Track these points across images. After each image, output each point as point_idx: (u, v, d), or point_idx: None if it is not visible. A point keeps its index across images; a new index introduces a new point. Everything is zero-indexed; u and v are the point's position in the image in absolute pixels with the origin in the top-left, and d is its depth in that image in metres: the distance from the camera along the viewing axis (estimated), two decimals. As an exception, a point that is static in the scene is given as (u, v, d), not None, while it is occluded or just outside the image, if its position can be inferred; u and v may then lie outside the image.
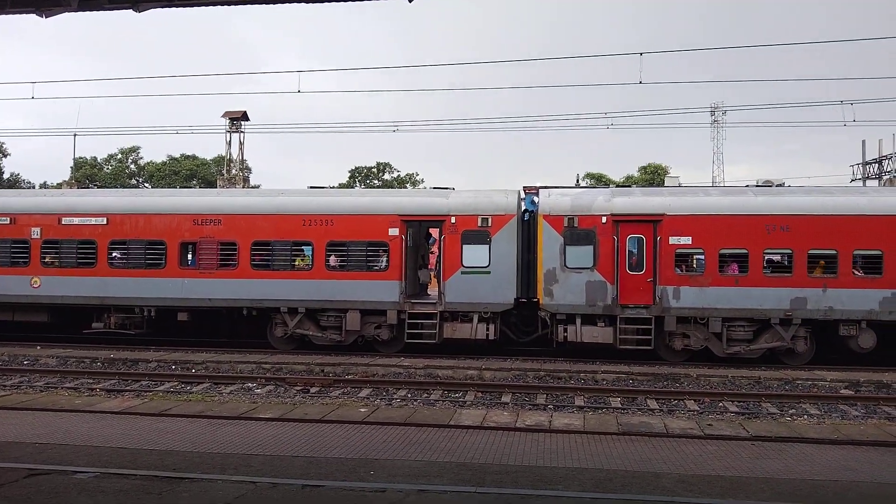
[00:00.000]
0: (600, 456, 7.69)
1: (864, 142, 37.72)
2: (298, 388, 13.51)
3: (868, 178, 36.79)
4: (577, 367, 15.08)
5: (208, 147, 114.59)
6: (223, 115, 35.55)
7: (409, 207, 16.81)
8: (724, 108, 51.68)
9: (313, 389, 13.40)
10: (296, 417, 10.24)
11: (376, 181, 61.23)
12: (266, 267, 16.78)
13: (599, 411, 11.81)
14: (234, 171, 36.48)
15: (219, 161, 51.12)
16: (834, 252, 15.04)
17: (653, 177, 51.58)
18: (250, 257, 16.76)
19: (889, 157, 33.91)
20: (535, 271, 16.06)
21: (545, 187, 17.07)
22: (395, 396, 12.92)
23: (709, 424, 10.41)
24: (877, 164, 35.97)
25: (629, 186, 31.86)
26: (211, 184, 47.47)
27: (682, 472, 6.54)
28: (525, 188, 17.50)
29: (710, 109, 51.46)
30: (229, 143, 36.27)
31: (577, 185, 30.49)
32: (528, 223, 16.69)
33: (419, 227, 17.68)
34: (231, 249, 16.84)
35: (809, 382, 13.91)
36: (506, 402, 12.50)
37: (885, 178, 33.02)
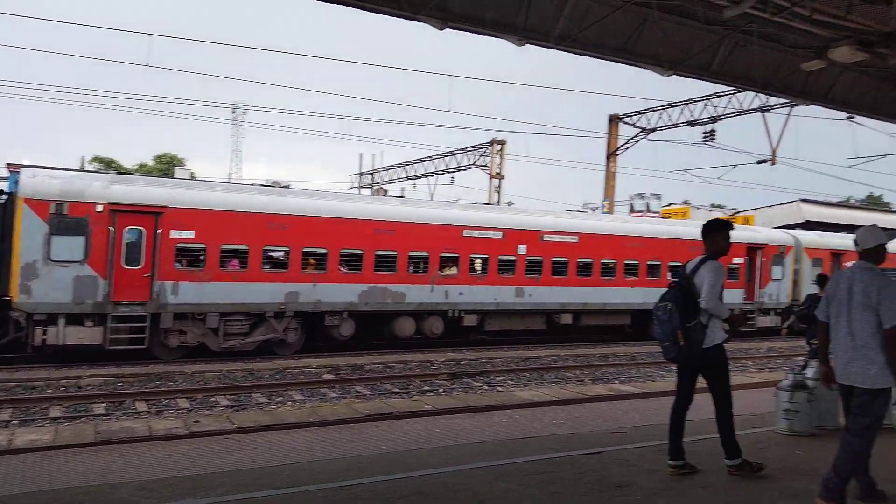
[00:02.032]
0: (65, 475, 6.86)
1: (361, 155, 43.03)
2: None
3: (363, 186, 42.25)
4: (59, 373, 13.36)
5: None
6: None
7: None
8: (246, 108, 53.10)
9: None
10: None
11: None
12: None
13: (78, 421, 10.62)
14: None
15: None
16: (324, 250, 16.64)
17: (168, 167, 49.89)
18: None
19: (378, 170, 39.48)
20: (7, 264, 13.69)
21: (33, 166, 14.72)
22: None
23: (196, 422, 10.25)
24: (370, 175, 41.53)
25: (133, 175, 29.91)
26: None
27: (146, 477, 6.24)
28: (9, 166, 14.82)
29: (231, 107, 52.26)
30: None
31: (83, 169, 27.43)
32: (4, 206, 14.14)
33: None
34: None
35: (298, 370, 15.04)
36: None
37: (374, 187, 38.36)
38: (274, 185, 18.49)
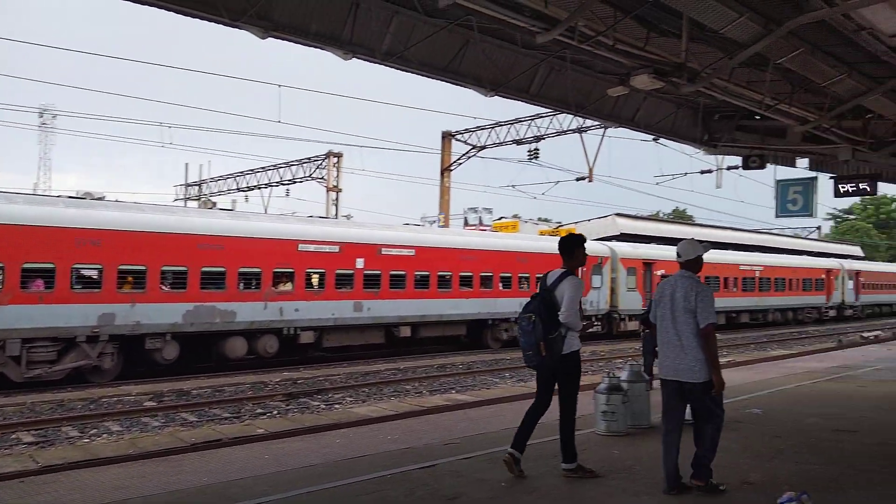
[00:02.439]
0: None
1: (186, 164, 40.76)
2: None
3: (190, 198, 39.99)
4: None
5: None
6: None
7: None
8: (55, 112, 48.45)
9: None
10: None
11: None
12: None
13: None
14: None
15: None
16: (143, 268, 15.46)
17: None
18: None
19: (206, 181, 37.55)
20: None
21: None
22: None
23: (-10, 463, 9.08)
24: (198, 187, 39.39)
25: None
26: None
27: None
28: None
29: (38, 111, 47.43)
30: None
31: None
32: None
33: None
34: None
35: (115, 398, 13.80)
36: None
37: (202, 199, 36.42)
38: (86, 196, 16.90)
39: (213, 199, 36.11)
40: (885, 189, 61.38)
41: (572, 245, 5.98)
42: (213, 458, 8.02)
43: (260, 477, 6.47)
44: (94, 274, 15.06)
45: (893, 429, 8.19)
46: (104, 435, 11.26)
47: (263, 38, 6.90)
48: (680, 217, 68.42)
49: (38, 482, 7.19)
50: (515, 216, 46.67)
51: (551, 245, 25.49)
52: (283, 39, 7.17)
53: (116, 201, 17.50)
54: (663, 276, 6.00)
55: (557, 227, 38.38)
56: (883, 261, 62.47)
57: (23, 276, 13.91)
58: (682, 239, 5.91)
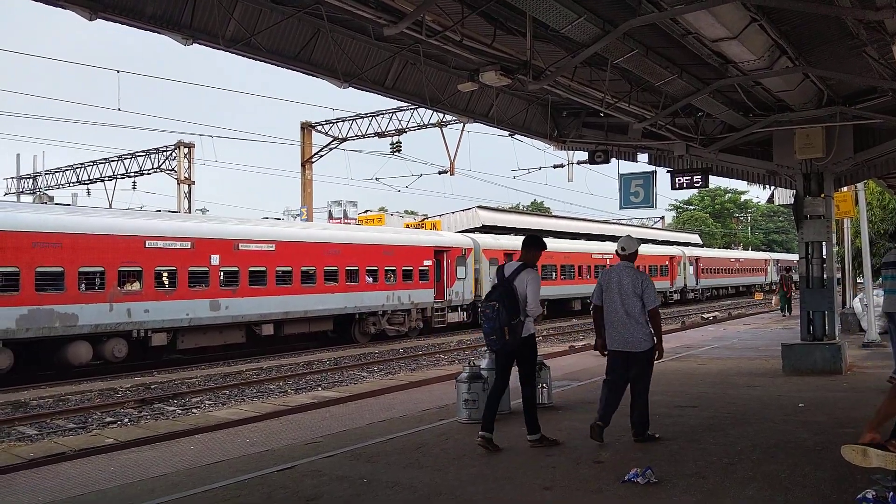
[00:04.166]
0: None
1: (18, 155, 37.28)
2: None
3: (24, 192, 36.58)
4: None
5: None
6: None
7: None
8: None
9: None
10: None
11: None
12: None
13: None
14: None
15: None
16: (-33, 270, 13.97)
17: None
18: None
19: (41, 174, 34.49)
20: None
21: None
22: None
23: None
24: (32, 179, 36.09)
25: None
26: None
27: None
28: None
29: None
30: None
31: None
32: None
33: None
34: None
35: (-65, 417, 12.40)
36: None
37: (37, 194, 33.41)
38: None
39: (50, 192, 33.15)
40: (718, 182, 67.37)
41: (531, 244, 6.74)
42: (53, 473, 7.41)
43: (105, 491, 6.06)
44: None
45: (724, 401, 9.00)
46: (-80, 458, 10.09)
47: (91, 19, 6.37)
48: (538, 209, 71.37)
49: None
50: (382, 209, 46.68)
51: (417, 237, 25.98)
52: (113, 21, 6.67)
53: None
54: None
55: (423, 220, 38.82)
56: (718, 247, 68.48)
57: None
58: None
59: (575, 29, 7.06)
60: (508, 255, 29.35)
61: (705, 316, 31.91)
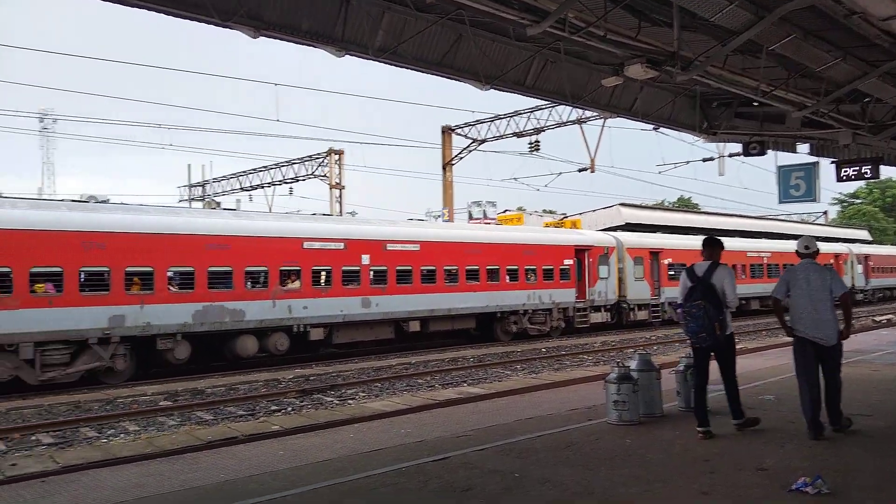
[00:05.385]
0: None
1: (189, 165, 40.88)
2: None
3: (194, 199, 40.16)
4: None
5: None
6: None
7: None
8: (55, 117, 48.69)
9: None
10: None
11: None
12: None
13: None
14: None
15: None
16: (150, 269, 15.62)
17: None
18: None
19: (209, 182, 37.67)
20: None
21: None
22: None
23: (12, 465, 9.23)
24: (201, 187, 39.52)
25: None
26: None
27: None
28: None
29: (38, 116, 47.67)
30: None
31: None
32: None
33: None
34: None
35: (131, 399, 13.97)
36: None
37: (206, 200, 36.58)
38: (90, 199, 17.03)
39: (217, 199, 36.25)
40: (889, 172, 61.17)
41: (713, 244, 7.17)
42: (230, 455, 8.15)
43: (277, 472, 6.61)
44: (100, 276, 15.18)
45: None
46: (121, 435, 11.40)
47: (255, 37, 6.98)
48: (685, 205, 68.28)
49: (59, 482, 7.34)
50: (520, 209, 46.69)
51: (557, 236, 25.72)
52: (274, 38, 7.24)
53: (120, 204, 17.63)
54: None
55: (562, 219, 38.39)
56: (891, 244, 62.25)
57: (31, 280, 14.08)
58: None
59: (725, 16, 6.78)
60: (655, 253, 28.37)
61: (877, 319, 29.14)
